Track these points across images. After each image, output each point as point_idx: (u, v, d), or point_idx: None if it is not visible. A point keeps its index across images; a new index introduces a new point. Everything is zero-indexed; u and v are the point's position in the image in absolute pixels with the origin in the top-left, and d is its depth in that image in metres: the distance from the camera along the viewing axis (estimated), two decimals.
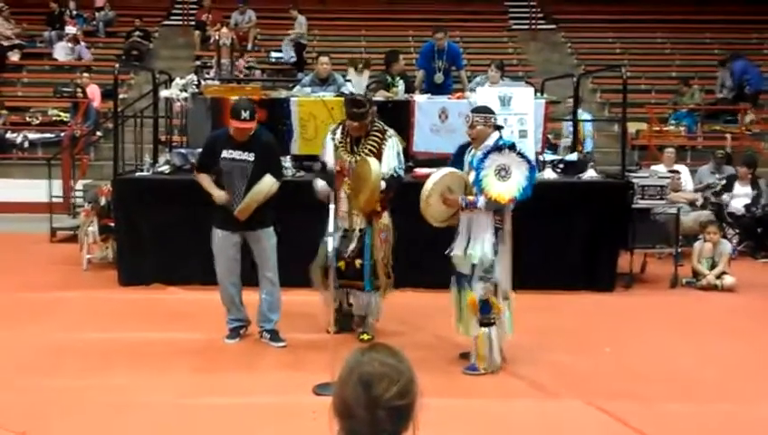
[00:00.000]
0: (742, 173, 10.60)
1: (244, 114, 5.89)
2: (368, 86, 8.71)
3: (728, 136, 14.24)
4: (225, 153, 5.97)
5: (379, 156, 6.07)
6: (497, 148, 5.47)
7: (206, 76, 10.87)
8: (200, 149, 6.73)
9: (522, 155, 5.50)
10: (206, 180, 6.10)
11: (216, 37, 14.50)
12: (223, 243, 6.08)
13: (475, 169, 5.49)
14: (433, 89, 9.64)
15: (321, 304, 6.33)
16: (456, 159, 5.85)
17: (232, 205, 5.95)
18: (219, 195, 5.98)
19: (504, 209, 5.50)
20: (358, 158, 6.08)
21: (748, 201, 10.38)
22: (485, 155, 5.45)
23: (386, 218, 6.24)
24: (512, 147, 5.51)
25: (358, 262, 6.20)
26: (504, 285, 5.57)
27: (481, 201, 5.40)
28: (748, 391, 5.38)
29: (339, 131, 6.29)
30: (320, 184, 6.28)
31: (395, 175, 6.10)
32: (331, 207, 5.84)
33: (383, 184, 5.96)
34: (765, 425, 4.88)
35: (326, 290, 6.04)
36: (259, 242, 6.08)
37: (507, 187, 5.38)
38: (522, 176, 5.41)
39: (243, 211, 5.87)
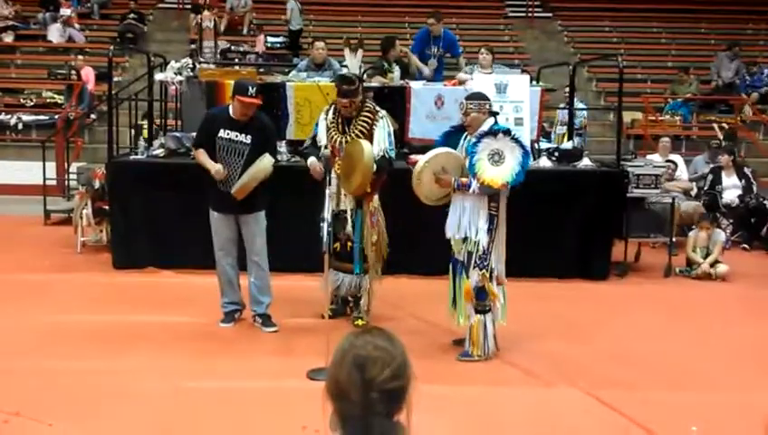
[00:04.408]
0: (725, 162, 10.59)
1: (251, 90, 5.86)
2: (364, 71, 8.69)
3: (715, 126, 14.18)
4: (222, 133, 5.95)
5: (370, 136, 6.07)
6: (491, 132, 5.46)
7: (201, 60, 10.83)
8: (194, 133, 6.70)
9: (516, 140, 5.49)
10: (203, 155, 6.06)
11: (199, 20, 14.43)
12: (219, 224, 6.08)
13: (468, 153, 5.49)
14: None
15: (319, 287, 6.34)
16: (444, 140, 5.83)
17: (227, 185, 5.93)
18: (217, 169, 5.92)
19: (499, 196, 5.49)
20: (348, 138, 6.08)
21: (739, 192, 10.40)
22: (479, 139, 5.44)
23: (376, 201, 6.24)
24: (506, 132, 5.51)
25: (349, 244, 6.21)
26: (498, 272, 5.57)
27: (474, 185, 5.38)
28: (741, 380, 5.40)
29: (331, 111, 6.29)
30: (309, 159, 6.25)
31: (386, 156, 6.09)
32: (327, 191, 5.86)
33: (374, 166, 5.95)
34: (758, 413, 4.90)
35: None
36: (248, 225, 6.07)
37: (500, 171, 5.37)
38: (515, 161, 5.40)
39: (240, 191, 5.84)
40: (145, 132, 9.72)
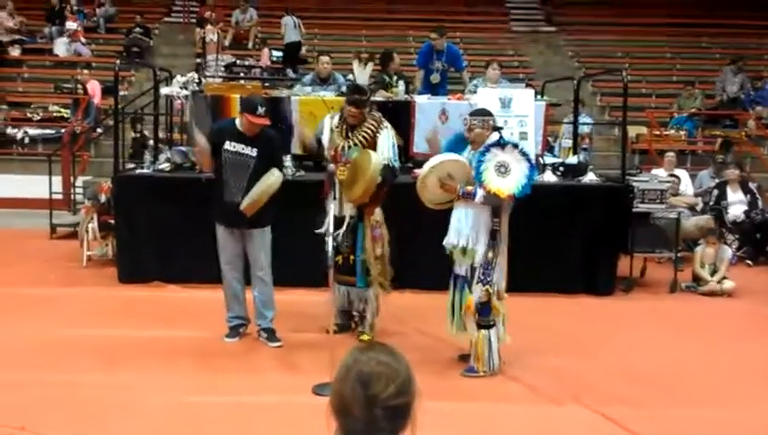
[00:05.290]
0: (734, 176, 10.56)
1: (261, 110, 5.88)
2: (369, 85, 8.73)
3: (719, 140, 14.16)
4: (228, 145, 5.96)
5: (372, 144, 6.10)
6: (499, 144, 5.46)
7: (207, 74, 10.89)
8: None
9: (523, 153, 5.49)
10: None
11: (202, 34, 14.53)
12: (225, 238, 6.09)
13: (474, 164, 5.47)
14: (429, 89, 9.65)
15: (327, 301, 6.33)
16: (453, 145, 5.84)
17: (233, 196, 5.94)
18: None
19: (502, 211, 5.48)
20: (351, 143, 6.10)
21: (745, 207, 10.38)
22: (487, 149, 5.43)
23: (378, 215, 6.24)
24: (514, 145, 5.52)
25: (351, 258, 6.20)
26: (499, 287, 5.55)
27: (479, 194, 5.37)
28: (746, 396, 5.38)
29: (337, 117, 6.32)
30: (330, 167, 6.29)
31: (390, 165, 6.08)
32: (330, 206, 5.86)
33: (379, 177, 5.94)
34: (764, 428, 4.88)
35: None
36: (252, 240, 6.07)
37: (507, 183, 5.36)
38: (521, 173, 5.39)
39: (250, 207, 5.83)
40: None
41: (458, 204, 5.53)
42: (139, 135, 12.01)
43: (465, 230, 5.48)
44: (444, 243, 5.62)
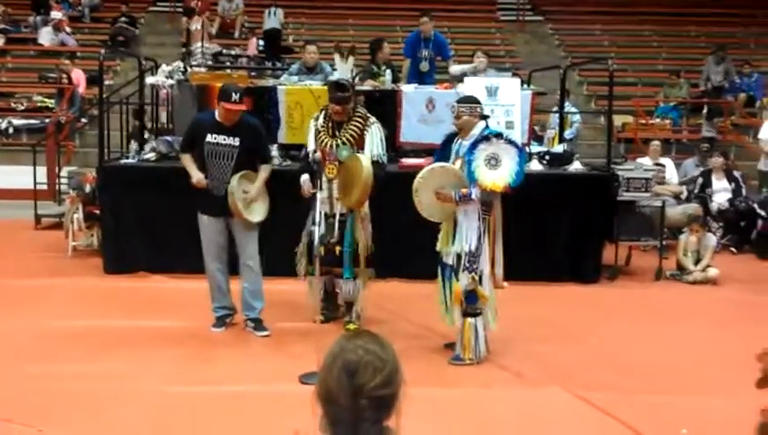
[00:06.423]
0: (718, 164, 10.62)
1: (235, 96, 5.87)
2: (354, 76, 8.70)
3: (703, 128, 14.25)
4: (209, 137, 5.95)
5: (360, 141, 6.10)
6: (484, 137, 5.47)
7: (193, 63, 10.82)
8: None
9: (509, 141, 5.51)
10: (188, 161, 6.10)
11: (187, 24, 14.44)
12: (208, 228, 6.07)
13: (463, 158, 5.49)
14: (418, 78, 9.64)
15: (306, 293, 6.35)
16: (443, 149, 5.85)
17: (213, 189, 5.93)
18: (198, 179, 5.95)
19: (492, 199, 5.50)
20: (339, 142, 6.10)
21: (729, 195, 10.44)
22: (474, 146, 5.45)
23: (366, 207, 6.25)
24: (498, 135, 5.53)
25: (338, 248, 6.20)
26: (497, 275, 5.56)
27: (475, 192, 5.39)
28: (730, 383, 5.39)
29: (321, 117, 6.31)
30: (303, 177, 6.29)
31: (379, 161, 6.11)
32: (318, 195, 5.86)
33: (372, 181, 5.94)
34: (747, 417, 4.91)
35: (312, 279, 6.06)
36: (239, 229, 6.07)
37: (500, 174, 5.38)
38: (512, 162, 5.41)
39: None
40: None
41: (458, 210, 5.51)
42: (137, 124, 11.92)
43: (456, 228, 5.49)
44: (446, 260, 5.63)
